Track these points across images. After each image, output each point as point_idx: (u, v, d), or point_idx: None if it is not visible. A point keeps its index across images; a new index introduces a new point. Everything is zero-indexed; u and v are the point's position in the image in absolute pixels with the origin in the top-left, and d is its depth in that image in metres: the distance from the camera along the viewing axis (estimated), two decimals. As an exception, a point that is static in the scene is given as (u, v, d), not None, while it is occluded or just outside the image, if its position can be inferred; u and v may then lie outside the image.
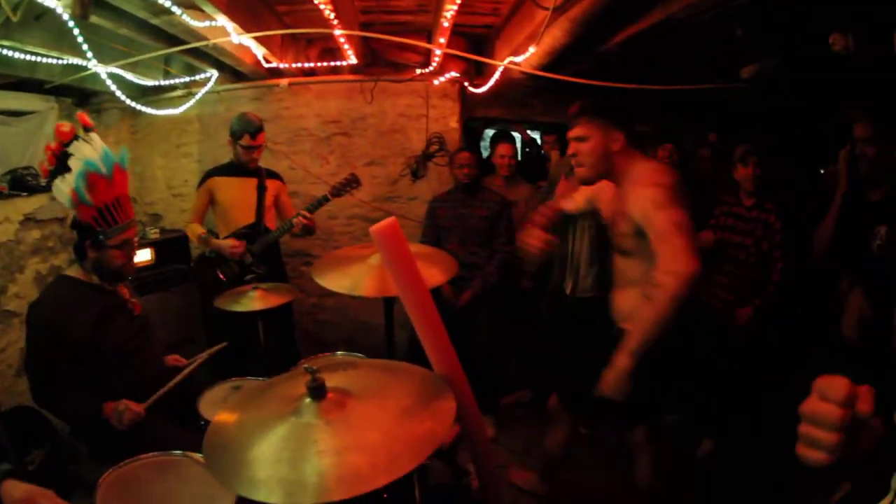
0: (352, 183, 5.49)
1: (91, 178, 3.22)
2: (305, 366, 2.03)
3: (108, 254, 3.39)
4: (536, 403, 5.97)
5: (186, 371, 3.70)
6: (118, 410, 3.22)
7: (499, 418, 5.85)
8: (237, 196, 5.44)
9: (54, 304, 3.40)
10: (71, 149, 3.25)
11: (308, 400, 1.96)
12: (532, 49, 4.86)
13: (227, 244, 5.23)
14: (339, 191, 5.46)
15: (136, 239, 3.61)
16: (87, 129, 3.36)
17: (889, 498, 1.12)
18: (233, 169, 5.47)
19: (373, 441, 1.81)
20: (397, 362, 2.57)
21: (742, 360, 5.04)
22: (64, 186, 3.24)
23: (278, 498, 1.66)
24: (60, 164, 3.25)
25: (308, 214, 5.34)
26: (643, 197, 3.31)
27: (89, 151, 3.26)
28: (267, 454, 1.80)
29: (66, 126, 3.31)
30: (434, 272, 3.25)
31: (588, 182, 3.68)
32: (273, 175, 5.72)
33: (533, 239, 3.90)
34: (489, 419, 5.57)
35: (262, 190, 5.49)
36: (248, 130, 5.24)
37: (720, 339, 4.99)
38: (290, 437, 1.84)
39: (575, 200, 4.20)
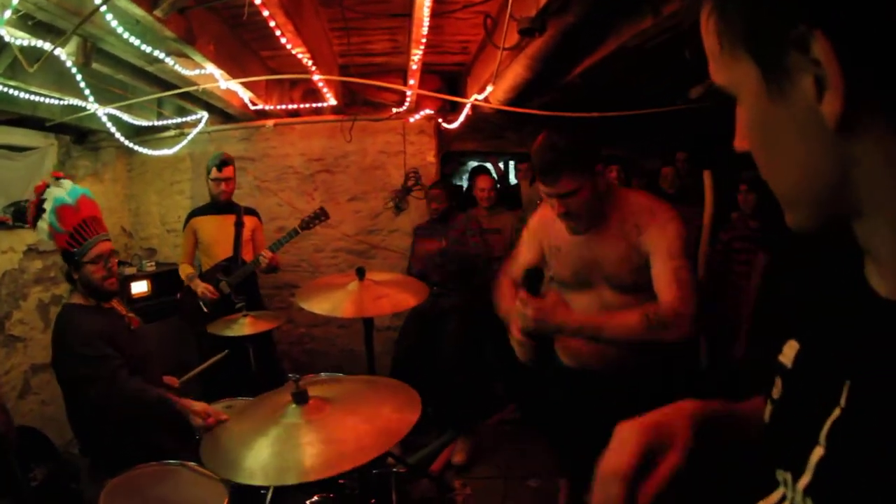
0: (320, 216, 5.73)
1: (59, 210, 3.61)
2: (290, 374, 2.38)
3: (86, 270, 3.68)
4: (522, 420, 6.11)
5: (199, 370, 4.20)
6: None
7: (484, 437, 5.88)
8: (217, 232, 5.72)
9: (67, 326, 3.70)
10: (45, 195, 3.66)
11: (293, 405, 2.30)
12: (490, 88, 5.13)
13: (200, 288, 5.48)
14: (307, 224, 5.71)
15: (112, 256, 3.85)
16: (58, 179, 3.76)
17: (781, 491, 1.03)
18: (212, 208, 5.78)
19: (345, 436, 2.18)
20: (372, 377, 2.92)
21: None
22: (43, 225, 3.64)
23: (268, 482, 2.05)
24: (38, 209, 3.65)
25: (269, 254, 5.58)
26: (668, 232, 2.93)
27: (58, 192, 3.65)
28: (258, 450, 2.14)
29: (40, 181, 3.76)
30: (406, 297, 3.60)
31: (580, 233, 3.15)
32: (251, 212, 5.99)
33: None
34: (464, 442, 5.63)
35: (239, 226, 5.75)
36: (214, 164, 5.59)
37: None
38: (278, 435, 2.19)
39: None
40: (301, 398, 2.31)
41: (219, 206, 5.75)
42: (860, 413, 0.83)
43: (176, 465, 3.13)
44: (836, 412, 0.86)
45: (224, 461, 2.15)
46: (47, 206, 3.62)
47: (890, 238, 0.80)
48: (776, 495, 1.03)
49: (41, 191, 3.66)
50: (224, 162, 5.62)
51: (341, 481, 3.19)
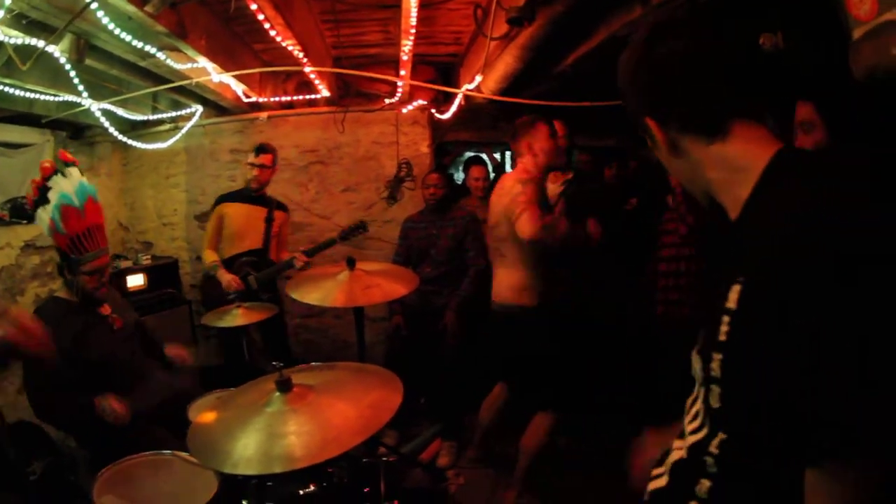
0: (359, 228, 5.76)
1: (64, 209, 3.57)
2: (274, 363, 2.41)
3: (81, 279, 3.71)
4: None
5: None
6: (102, 403, 3.56)
7: (473, 430, 5.71)
8: (245, 222, 5.71)
9: (44, 319, 3.73)
10: (51, 182, 3.58)
11: (277, 393, 2.33)
12: (479, 78, 5.15)
13: (227, 279, 5.44)
14: (346, 235, 5.73)
15: (108, 268, 3.91)
16: (67, 164, 3.69)
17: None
18: (243, 195, 5.77)
19: (328, 423, 2.20)
20: (355, 363, 2.96)
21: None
22: (44, 215, 3.59)
23: (255, 470, 2.08)
24: (42, 195, 3.59)
25: (305, 258, 5.59)
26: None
27: (66, 185, 3.60)
28: (244, 440, 2.16)
29: (47, 162, 3.66)
30: (396, 287, 3.61)
31: None
32: (282, 207, 5.99)
33: None
34: (448, 445, 5.62)
35: (270, 221, 5.76)
36: (254, 149, 5.64)
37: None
38: (264, 423, 2.22)
39: None
40: (285, 386, 2.34)
41: (251, 195, 5.75)
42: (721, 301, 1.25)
43: (168, 455, 3.17)
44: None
45: (211, 451, 2.17)
46: (52, 196, 3.57)
47: (716, 193, 1.44)
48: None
49: (48, 174, 3.60)
50: (262, 148, 5.67)
51: (330, 470, 3.22)
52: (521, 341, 4.51)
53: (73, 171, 3.69)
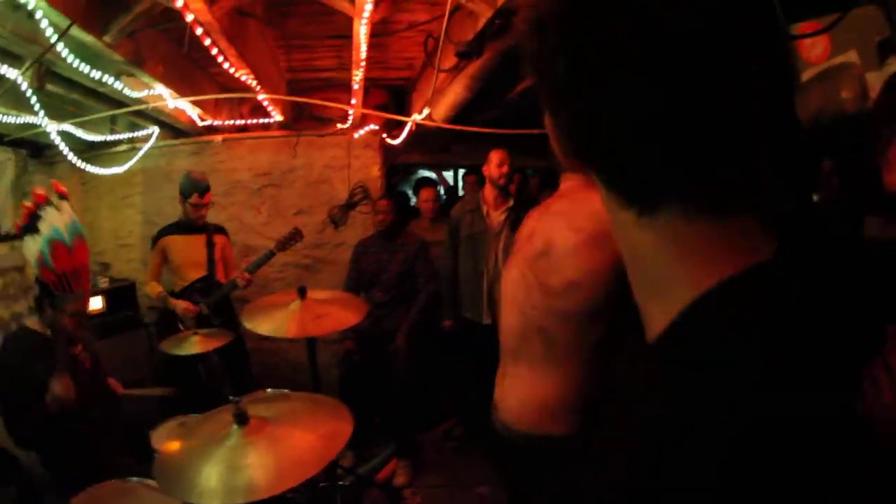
0: (296, 237, 5.77)
1: (55, 244, 3.52)
2: (231, 397, 2.52)
3: (60, 317, 3.65)
4: (467, 436, 6.21)
5: (141, 393, 4.46)
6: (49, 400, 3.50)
7: (431, 447, 6.01)
8: (188, 252, 5.69)
9: (15, 352, 3.73)
10: (42, 212, 3.55)
11: (235, 426, 2.44)
12: (426, 110, 5.28)
13: (181, 307, 5.47)
14: (283, 245, 5.73)
15: (87, 309, 3.93)
16: (61, 197, 3.66)
17: None
18: (182, 227, 5.74)
19: (285, 455, 2.32)
20: (308, 394, 3.06)
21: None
22: (32, 245, 3.54)
23: (219, 502, 2.16)
24: (32, 223, 3.54)
25: (248, 276, 5.64)
26: None
27: (57, 219, 3.56)
28: (207, 470, 2.27)
29: (41, 190, 3.63)
30: (347, 315, 3.72)
31: None
32: (220, 230, 5.98)
33: None
34: (404, 464, 5.66)
35: (211, 246, 5.76)
36: (196, 190, 5.53)
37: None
38: (224, 456, 2.33)
39: None
40: (242, 419, 2.45)
41: (189, 225, 5.74)
42: None
43: (135, 483, 3.21)
44: None
45: (177, 481, 2.27)
46: (43, 227, 3.52)
47: None
48: None
49: (41, 202, 3.56)
50: (206, 188, 5.62)
51: (289, 496, 3.31)
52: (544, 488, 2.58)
53: (66, 206, 3.66)
